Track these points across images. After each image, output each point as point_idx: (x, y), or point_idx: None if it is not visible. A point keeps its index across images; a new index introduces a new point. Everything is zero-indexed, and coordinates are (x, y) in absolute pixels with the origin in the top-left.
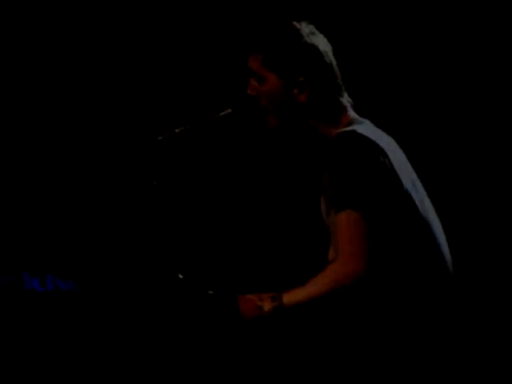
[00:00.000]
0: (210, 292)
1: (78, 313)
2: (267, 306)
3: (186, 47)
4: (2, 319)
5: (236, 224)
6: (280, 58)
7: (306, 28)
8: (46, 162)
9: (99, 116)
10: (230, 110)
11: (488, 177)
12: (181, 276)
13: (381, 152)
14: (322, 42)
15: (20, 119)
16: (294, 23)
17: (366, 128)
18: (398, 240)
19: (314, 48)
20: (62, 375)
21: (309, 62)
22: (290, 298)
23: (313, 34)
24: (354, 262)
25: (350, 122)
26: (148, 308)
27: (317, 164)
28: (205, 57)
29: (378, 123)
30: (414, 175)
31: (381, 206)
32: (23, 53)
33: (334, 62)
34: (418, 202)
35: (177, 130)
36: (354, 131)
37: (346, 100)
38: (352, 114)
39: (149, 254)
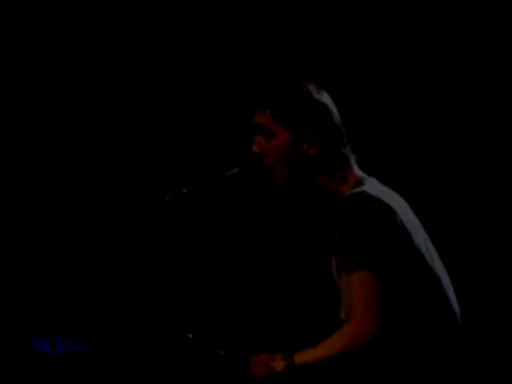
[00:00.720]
0: (221, 352)
1: (88, 375)
2: (279, 365)
3: (191, 105)
4: (12, 381)
5: (246, 284)
6: (290, 111)
7: (312, 85)
8: (55, 224)
9: (106, 176)
10: (237, 170)
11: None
12: (191, 336)
13: (392, 212)
14: (328, 100)
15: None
16: (301, 80)
17: (375, 188)
18: (410, 299)
19: (322, 104)
20: None
21: (318, 116)
22: (303, 358)
23: (319, 91)
24: (369, 323)
25: (359, 181)
26: (159, 369)
27: (326, 223)
28: (210, 115)
29: (381, 178)
30: (424, 233)
31: (393, 266)
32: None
33: (340, 120)
34: (429, 261)
35: (184, 190)
36: (364, 192)
37: (351, 156)
38: (358, 171)
39: (159, 314)
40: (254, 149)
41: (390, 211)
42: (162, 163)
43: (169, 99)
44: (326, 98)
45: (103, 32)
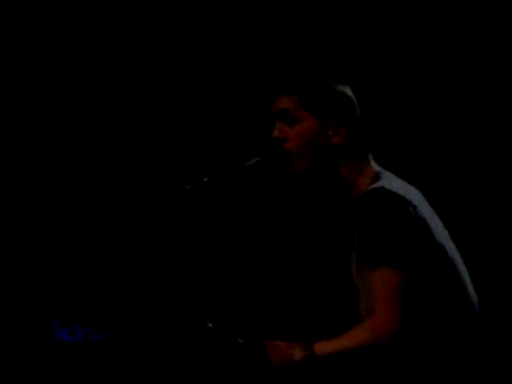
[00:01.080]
0: (240, 340)
1: (106, 363)
2: (298, 354)
3: (212, 95)
4: (31, 369)
5: (265, 276)
6: (318, 98)
7: (337, 78)
8: (71, 217)
9: (129, 163)
10: (257, 159)
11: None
12: (210, 325)
13: (412, 207)
14: (352, 94)
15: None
16: (326, 72)
17: (392, 182)
18: (431, 293)
19: (348, 95)
20: None
21: (345, 106)
22: (323, 348)
23: (344, 85)
24: (391, 320)
25: (376, 175)
26: (178, 358)
27: (344, 218)
28: (232, 104)
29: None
30: (442, 225)
31: (416, 261)
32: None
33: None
34: (449, 253)
35: (205, 179)
36: (383, 188)
37: (370, 150)
38: (375, 165)
39: (178, 304)
40: (276, 134)
41: (410, 206)
42: (184, 152)
43: (189, 88)
44: (349, 91)
45: (100, 25)
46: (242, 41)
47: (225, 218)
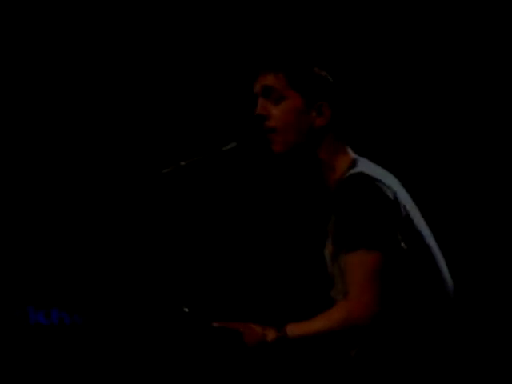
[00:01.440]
0: (215, 324)
1: (82, 347)
2: (271, 335)
3: (192, 78)
4: (7, 353)
5: (239, 260)
6: (305, 78)
7: (322, 62)
8: (51, 191)
9: (104, 148)
10: (234, 144)
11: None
12: (186, 309)
13: (392, 192)
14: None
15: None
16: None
17: (370, 168)
18: (408, 279)
19: (334, 82)
20: None
21: (330, 88)
22: (295, 330)
23: (328, 69)
24: (367, 302)
25: (354, 162)
26: (153, 342)
27: (321, 203)
28: (210, 89)
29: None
30: (418, 212)
31: (393, 246)
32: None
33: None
34: (427, 241)
35: (182, 163)
36: (362, 173)
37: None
38: (351, 152)
39: (154, 288)
40: (259, 111)
41: (389, 190)
42: (161, 135)
43: (166, 72)
44: (332, 77)
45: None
46: (222, 19)
47: (202, 202)
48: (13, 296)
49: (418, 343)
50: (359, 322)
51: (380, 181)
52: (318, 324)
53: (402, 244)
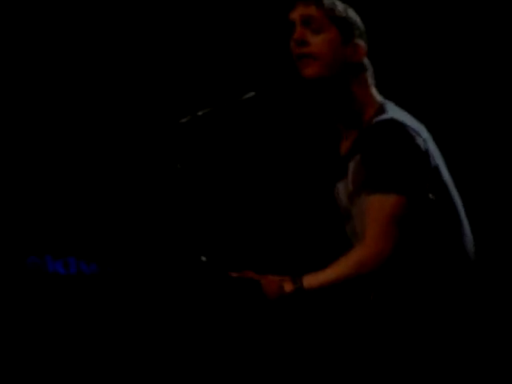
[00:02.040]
0: (234, 274)
1: (100, 297)
2: (288, 287)
3: (211, 27)
4: (24, 301)
5: (255, 211)
6: (343, 15)
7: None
8: (66, 147)
9: (122, 99)
10: (253, 93)
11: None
12: (204, 258)
13: (423, 142)
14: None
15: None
16: None
17: (401, 115)
18: (428, 228)
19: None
20: (81, 358)
21: (363, 30)
22: (311, 280)
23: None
24: (382, 246)
25: (382, 107)
26: (171, 292)
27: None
28: (228, 41)
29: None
30: (445, 165)
31: (421, 195)
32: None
33: None
34: (452, 193)
35: (200, 113)
36: (392, 118)
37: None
38: (378, 95)
39: (171, 237)
40: (298, 36)
41: (420, 140)
42: (179, 85)
43: (186, 24)
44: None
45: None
46: None
47: (219, 151)
48: (30, 244)
49: (435, 291)
50: (372, 268)
51: (412, 129)
52: (332, 274)
53: (430, 194)
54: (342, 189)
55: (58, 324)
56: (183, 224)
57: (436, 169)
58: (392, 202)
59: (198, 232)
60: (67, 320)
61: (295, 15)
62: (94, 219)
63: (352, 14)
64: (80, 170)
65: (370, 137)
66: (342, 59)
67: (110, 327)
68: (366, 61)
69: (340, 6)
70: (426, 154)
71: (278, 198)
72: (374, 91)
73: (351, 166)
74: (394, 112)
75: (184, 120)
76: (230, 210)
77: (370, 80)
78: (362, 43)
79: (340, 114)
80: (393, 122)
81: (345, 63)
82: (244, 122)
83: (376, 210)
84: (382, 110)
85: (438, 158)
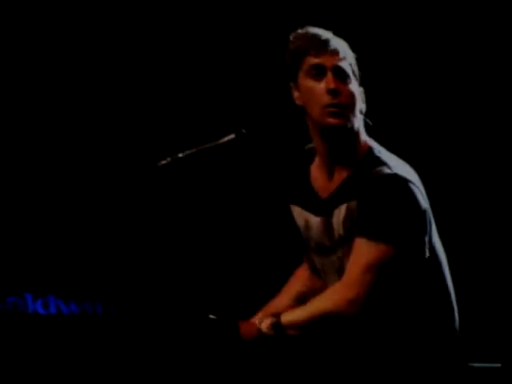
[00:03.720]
0: (212, 317)
1: (79, 337)
2: (265, 324)
3: (193, 71)
4: (4, 342)
5: (236, 248)
6: (357, 66)
7: None
8: (51, 182)
9: (100, 142)
10: (233, 136)
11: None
12: (184, 302)
13: (424, 197)
14: None
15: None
16: None
17: (397, 164)
18: (411, 282)
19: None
20: None
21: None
22: (288, 316)
23: None
24: (359, 289)
25: (371, 150)
26: (149, 333)
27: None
28: (210, 83)
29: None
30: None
31: (410, 248)
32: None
33: None
34: (437, 246)
35: (180, 155)
36: (397, 176)
37: None
38: (364, 135)
39: (151, 280)
40: (335, 86)
41: (421, 196)
42: (159, 127)
43: (165, 65)
44: None
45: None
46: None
47: (199, 193)
48: (9, 280)
49: (414, 349)
50: (349, 310)
51: (414, 184)
52: (308, 312)
53: (426, 252)
54: (320, 224)
55: (37, 365)
56: (161, 263)
57: (430, 225)
58: (379, 250)
59: (176, 275)
60: (47, 361)
61: (328, 63)
62: (74, 255)
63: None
64: (57, 209)
65: (371, 188)
66: (360, 108)
67: (93, 370)
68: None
69: (355, 55)
70: (425, 212)
71: (255, 240)
72: (362, 130)
73: (342, 209)
74: (389, 159)
75: (163, 162)
76: (208, 250)
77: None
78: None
79: (337, 153)
80: (397, 178)
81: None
82: (224, 163)
83: (361, 255)
84: (371, 153)
85: (429, 209)
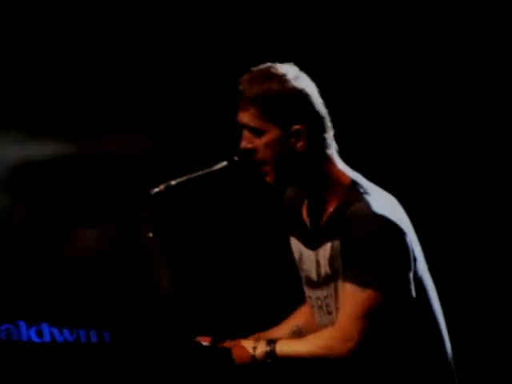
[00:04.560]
0: (205, 343)
1: (74, 366)
2: (260, 348)
3: (182, 99)
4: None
5: (231, 276)
6: (278, 108)
7: (291, 72)
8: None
9: (92, 168)
10: (225, 163)
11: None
12: (175, 325)
13: (410, 241)
14: (308, 85)
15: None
16: (278, 67)
17: (380, 202)
18: (403, 326)
19: (304, 93)
20: None
21: (302, 108)
22: (283, 348)
23: (298, 77)
24: (352, 336)
25: (354, 186)
26: (140, 360)
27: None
28: (200, 109)
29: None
30: (419, 245)
31: (403, 294)
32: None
33: (323, 103)
34: (428, 288)
35: (173, 183)
36: (382, 216)
37: (335, 147)
38: (340, 163)
39: (143, 307)
40: (244, 145)
41: (407, 237)
42: (152, 155)
43: (156, 93)
44: (304, 82)
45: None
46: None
47: (192, 221)
48: (4, 310)
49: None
50: (343, 355)
51: (401, 229)
52: (302, 347)
53: (413, 293)
54: (310, 258)
55: None
56: (154, 290)
57: (416, 265)
58: (368, 297)
59: (169, 299)
60: None
61: (239, 121)
62: (67, 284)
63: (288, 92)
64: (53, 234)
65: (353, 230)
66: (290, 153)
67: None
68: (315, 137)
69: (276, 92)
70: (410, 254)
71: (250, 268)
72: (341, 166)
73: (327, 247)
74: (372, 198)
75: (156, 190)
76: (203, 277)
77: (328, 155)
78: (300, 126)
79: (312, 196)
80: (381, 219)
81: (295, 154)
82: (216, 191)
83: (351, 302)
84: (354, 190)
85: (415, 247)
